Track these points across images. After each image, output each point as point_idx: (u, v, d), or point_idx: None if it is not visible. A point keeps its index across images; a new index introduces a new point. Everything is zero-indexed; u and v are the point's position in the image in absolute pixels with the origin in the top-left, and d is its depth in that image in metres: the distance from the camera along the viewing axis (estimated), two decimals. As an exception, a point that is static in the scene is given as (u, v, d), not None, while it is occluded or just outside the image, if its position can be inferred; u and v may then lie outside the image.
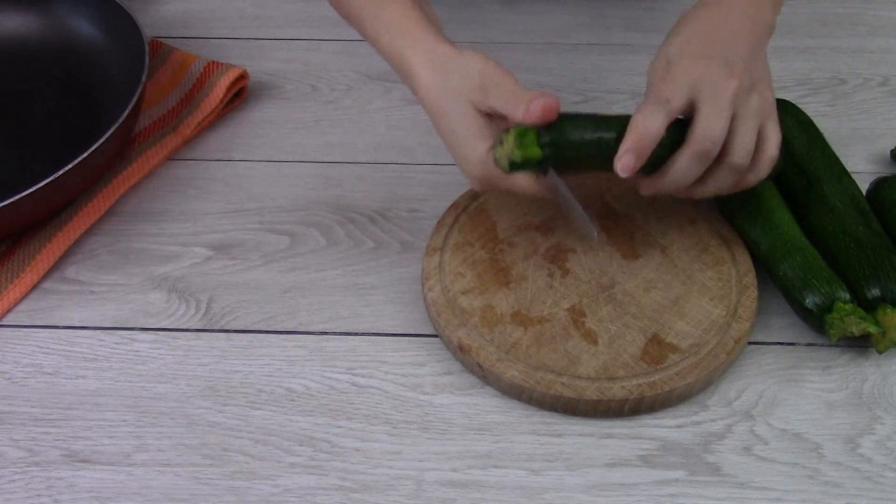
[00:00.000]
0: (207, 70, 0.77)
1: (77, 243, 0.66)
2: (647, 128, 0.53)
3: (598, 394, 0.54)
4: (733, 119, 0.54)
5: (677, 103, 0.54)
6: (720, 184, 0.56)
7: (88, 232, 0.67)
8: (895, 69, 0.82)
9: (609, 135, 0.55)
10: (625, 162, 0.53)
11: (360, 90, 0.80)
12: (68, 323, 0.61)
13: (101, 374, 0.58)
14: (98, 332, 0.60)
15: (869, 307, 0.58)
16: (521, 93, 0.54)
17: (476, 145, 0.55)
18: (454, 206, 0.66)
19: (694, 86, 0.54)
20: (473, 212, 0.65)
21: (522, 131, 0.54)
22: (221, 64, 0.77)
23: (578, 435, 0.55)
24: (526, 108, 0.53)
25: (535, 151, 0.54)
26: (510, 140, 0.54)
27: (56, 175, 0.60)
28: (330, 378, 0.58)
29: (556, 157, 0.55)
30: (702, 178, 0.56)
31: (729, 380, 0.57)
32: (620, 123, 0.55)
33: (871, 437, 0.54)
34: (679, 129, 0.55)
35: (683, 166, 0.55)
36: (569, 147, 0.55)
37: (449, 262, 0.62)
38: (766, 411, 0.56)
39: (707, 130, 0.53)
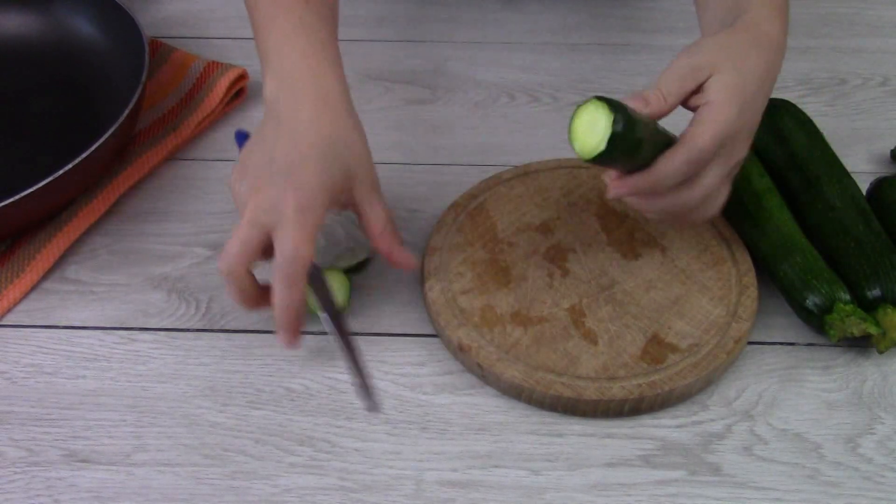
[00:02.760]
0: (207, 70, 0.77)
1: (77, 243, 0.66)
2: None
3: (598, 394, 0.54)
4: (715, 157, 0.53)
5: (712, 151, 0.53)
6: (668, 206, 0.55)
7: (88, 232, 0.67)
8: (895, 69, 0.82)
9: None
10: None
11: (360, 90, 0.80)
12: (68, 323, 0.61)
13: (101, 374, 0.58)
14: (98, 332, 0.60)
15: (869, 307, 0.58)
16: (392, 227, 0.55)
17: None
18: (454, 206, 0.66)
19: (727, 135, 0.53)
20: (473, 212, 0.65)
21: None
22: (221, 64, 0.77)
23: (578, 435, 0.55)
24: (389, 250, 0.54)
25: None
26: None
27: (56, 175, 0.60)
28: (330, 378, 0.58)
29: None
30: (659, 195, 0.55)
31: (729, 380, 0.57)
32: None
33: (871, 437, 0.54)
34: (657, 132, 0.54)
35: (674, 168, 0.52)
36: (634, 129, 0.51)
37: (449, 262, 0.62)
38: (766, 411, 0.56)
39: (715, 137, 0.52)
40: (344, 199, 0.55)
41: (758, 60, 0.55)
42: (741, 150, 0.55)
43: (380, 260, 0.64)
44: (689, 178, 0.53)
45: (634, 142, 0.51)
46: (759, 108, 0.55)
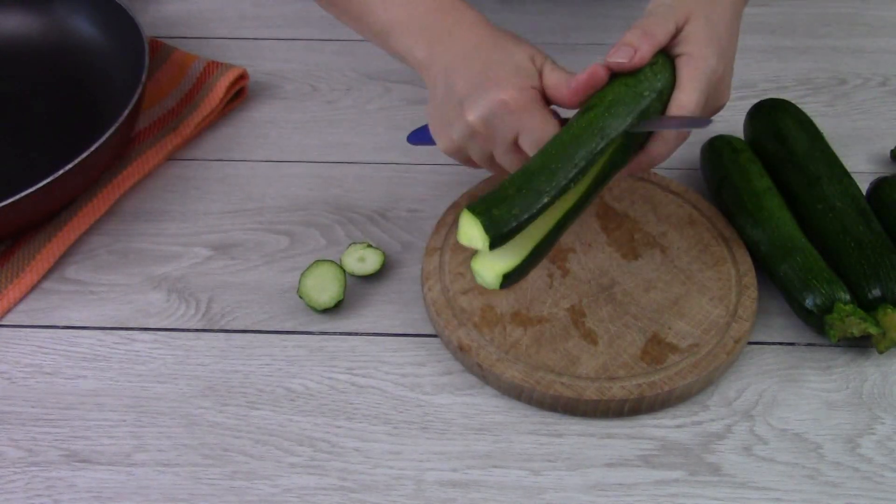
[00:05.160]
0: (207, 70, 0.77)
1: (77, 243, 0.66)
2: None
3: (598, 394, 0.54)
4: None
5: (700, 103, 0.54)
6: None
7: (88, 232, 0.67)
8: (895, 69, 0.82)
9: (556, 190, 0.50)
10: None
11: (360, 90, 0.80)
12: (68, 323, 0.61)
13: (101, 374, 0.58)
14: (98, 332, 0.60)
15: (869, 307, 0.58)
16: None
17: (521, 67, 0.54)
18: (454, 206, 0.66)
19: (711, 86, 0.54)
20: (473, 212, 0.65)
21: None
22: (221, 64, 0.77)
23: (578, 435, 0.55)
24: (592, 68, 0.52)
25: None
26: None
27: (56, 175, 0.60)
28: (330, 378, 0.58)
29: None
30: None
31: (729, 380, 0.57)
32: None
33: (871, 437, 0.54)
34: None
35: (669, 148, 0.54)
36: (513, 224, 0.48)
37: (449, 262, 0.62)
38: (766, 411, 0.56)
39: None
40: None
41: (725, 6, 0.56)
42: (723, 97, 0.56)
43: (384, 262, 0.65)
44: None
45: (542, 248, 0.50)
46: (733, 53, 0.56)
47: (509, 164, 0.55)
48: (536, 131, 0.52)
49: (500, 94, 0.52)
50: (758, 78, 0.81)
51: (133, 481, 0.52)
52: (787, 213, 0.62)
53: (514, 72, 0.53)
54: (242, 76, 0.77)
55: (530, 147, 0.53)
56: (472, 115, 0.53)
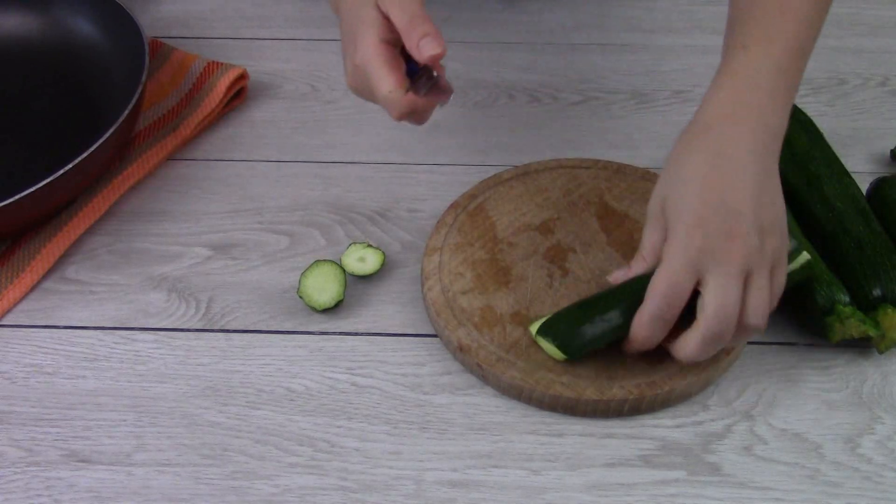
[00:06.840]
0: (207, 70, 0.77)
1: (77, 243, 0.66)
2: (654, 321, 0.51)
3: (598, 394, 0.54)
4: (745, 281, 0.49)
5: (686, 285, 0.50)
6: (732, 344, 0.53)
7: (88, 232, 0.67)
8: (895, 69, 0.82)
9: (621, 320, 0.53)
10: (635, 348, 0.54)
11: (360, 90, 0.80)
12: (68, 323, 0.61)
13: (101, 374, 0.58)
14: (98, 332, 0.60)
15: (869, 307, 0.58)
16: (418, 21, 0.52)
17: (366, 36, 0.54)
18: (454, 206, 0.66)
19: (696, 260, 0.49)
20: (473, 212, 0.65)
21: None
22: (221, 64, 0.77)
23: (578, 435, 0.55)
24: (416, 44, 0.52)
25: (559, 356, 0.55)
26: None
27: (56, 175, 0.60)
28: (330, 378, 0.58)
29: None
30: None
31: (729, 380, 0.57)
32: (630, 302, 0.53)
33: (871, 437, 0.54)
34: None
35: (698, 348, 0.50)
36: (586, 346, 0.55)
37: (448, 262, 0.62)
38: (766, 411, 0.56)
39: (719, 310, 0.49)
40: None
41: (709, 155, 0.52)
42: (768, 249, 0.50)
43: (384, 262, 0.64)
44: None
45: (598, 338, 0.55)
46: (746, 197, 0.50)
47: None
48: (377, 89, 0.54)
49: (353, 58, 0.55)
50: (758, 78, 0.81)
51: (133, 481, 0.52)
52: (788, 213, 0.62)
53: (362, 32, 0.54)
54: (242, 76, 0.77)
55: (384, 102, 0.54)
56: (348, 79, 0.56)
